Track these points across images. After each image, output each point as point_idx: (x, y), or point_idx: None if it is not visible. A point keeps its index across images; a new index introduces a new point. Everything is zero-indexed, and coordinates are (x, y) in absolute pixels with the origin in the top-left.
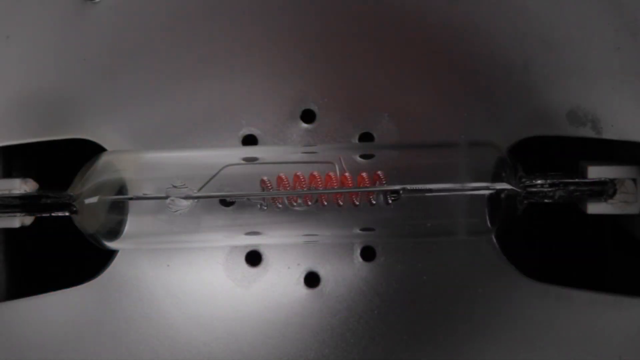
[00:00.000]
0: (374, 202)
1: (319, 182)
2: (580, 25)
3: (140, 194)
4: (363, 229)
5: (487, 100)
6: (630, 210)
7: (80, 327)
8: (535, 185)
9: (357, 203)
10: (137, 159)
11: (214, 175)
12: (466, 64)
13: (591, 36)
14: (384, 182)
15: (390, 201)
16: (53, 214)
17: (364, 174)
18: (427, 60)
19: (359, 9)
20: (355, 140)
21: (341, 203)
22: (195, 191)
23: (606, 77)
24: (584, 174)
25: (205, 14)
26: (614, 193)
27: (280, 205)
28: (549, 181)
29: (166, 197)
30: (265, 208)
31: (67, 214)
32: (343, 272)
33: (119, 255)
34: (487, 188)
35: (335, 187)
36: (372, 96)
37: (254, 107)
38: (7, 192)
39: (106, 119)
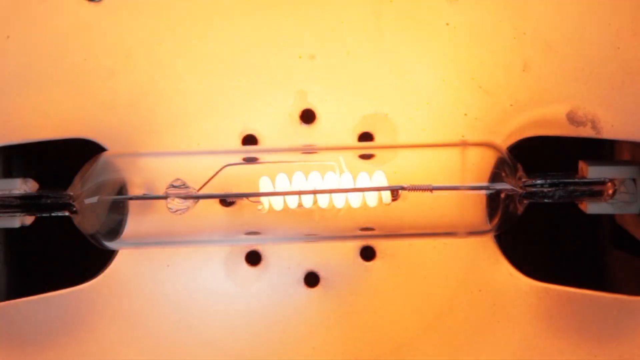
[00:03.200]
0: (374, 202)
1: (319, 183)
2: (580, 25)
3: (140, 194)
4: (363, 229)
5: (487, 100)
6: (630, 210)
7: (80, 327)
8: (535, 185)
9: (357, 203)
10: (137, 159)
11: (214, 175)
12: (466, 63)
13: (591, 36)
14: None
15: (390, 201)
16: (53, 214)
17: (364, 174)
18: (427, 60)
19: (358, 8)
20: (355, 140)
21: (341, 203)
22: (195, 191)
23: (606, 77)
24: (584, 174)
25: (205, 14)
26: (614, 193)
27: (280, 206)
28: (548, 181)
29: (166, 197)
30: (266, 208)
31: (67, 214)
32: (343, 272)
33: (119, 255)
34: (487, 188)
35: (335, 187)
36: (372, 96)
37: (254, 107)
38: (7, 192)
39: (106, 119)
